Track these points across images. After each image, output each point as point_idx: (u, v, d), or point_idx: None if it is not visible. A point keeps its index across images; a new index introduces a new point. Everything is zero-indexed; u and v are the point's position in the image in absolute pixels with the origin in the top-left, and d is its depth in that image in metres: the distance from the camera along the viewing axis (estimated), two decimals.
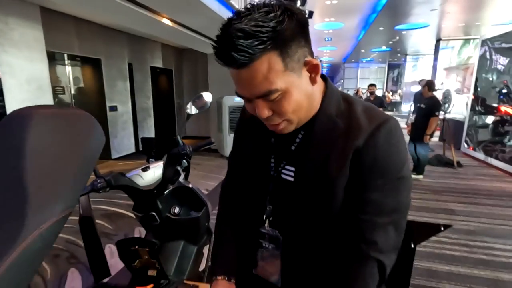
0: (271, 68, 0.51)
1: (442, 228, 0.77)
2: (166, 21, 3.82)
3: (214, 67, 5.95)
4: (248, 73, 0.52)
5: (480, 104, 5.45)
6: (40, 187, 0.33)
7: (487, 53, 5.29)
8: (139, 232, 2.62)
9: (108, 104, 5.38)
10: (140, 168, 1.02)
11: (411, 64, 14.49)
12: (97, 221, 1.22)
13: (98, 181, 0.86)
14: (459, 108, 7.41)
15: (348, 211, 0.60)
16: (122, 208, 3.17)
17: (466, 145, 5.83)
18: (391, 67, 18.43)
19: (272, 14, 0.50)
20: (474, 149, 5.53)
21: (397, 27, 8.52)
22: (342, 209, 0.61)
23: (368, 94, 5.76)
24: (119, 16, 3.74)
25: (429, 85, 4.10)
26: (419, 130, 4.06)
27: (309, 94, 0.59)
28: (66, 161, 0.37)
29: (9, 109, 3.45)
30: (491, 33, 5.22)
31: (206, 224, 1.19)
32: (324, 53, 15.55)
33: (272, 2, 0.52)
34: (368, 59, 16.66)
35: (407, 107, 11.33)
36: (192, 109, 1.19)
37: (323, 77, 0.64)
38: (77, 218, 0.87)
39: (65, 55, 4.87)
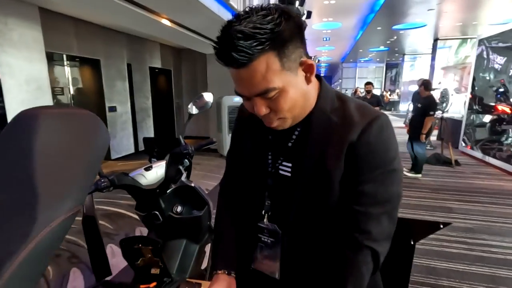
0: (269, 67, 0.54)
1: (441, 226, 0.78)
2: (165, 22, 3.82)
3: (213, 67, 5.95)
4: (247, 73, 0.55)
5: (477, 103, 5.48)
6: (49, 186, 0.34)
7: (484, 53, 5.32)
8: (140, 231, 2.63)
9: (107, 104, 5.37)
10: (143, 167, 1.03)
11: (409, 64, 14.54)
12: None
13: (102, 180, 0.87)
14: (457, 107, 7.45)
15: (343, 202, 0.63)
16: (123, 208, 3.17)
17: (464, 144, 5.86)
18: (389, 67, 18.47)
19: (270, 17, 0.53)
20: (471, 148, 5.56)
21: (395, 26, 8.55)
22: (338, 201, 0.64)
23: (365, 93, 5.76)
24: (118, 17, 3.74)
25: (425, 84, 4.12)
26: (416, 129, 4.08)
27: (305, 92, 0.62)
28: (74, 160, 0.38)
29: (9, 109, 3.44)
30: (488, 32, 5.25)
31: (208, 222, 1.20)
32: (322, 53, 15.57)
33: (269, 6, 0.55)
34: (366, 58, 16.69)
35: (405, 106, 11.37)
36: (193, 109, 1.20)
37: (317, 77, 0.67)
38: (79, 217, 0.88)
39: (64, 56, 4.86)
